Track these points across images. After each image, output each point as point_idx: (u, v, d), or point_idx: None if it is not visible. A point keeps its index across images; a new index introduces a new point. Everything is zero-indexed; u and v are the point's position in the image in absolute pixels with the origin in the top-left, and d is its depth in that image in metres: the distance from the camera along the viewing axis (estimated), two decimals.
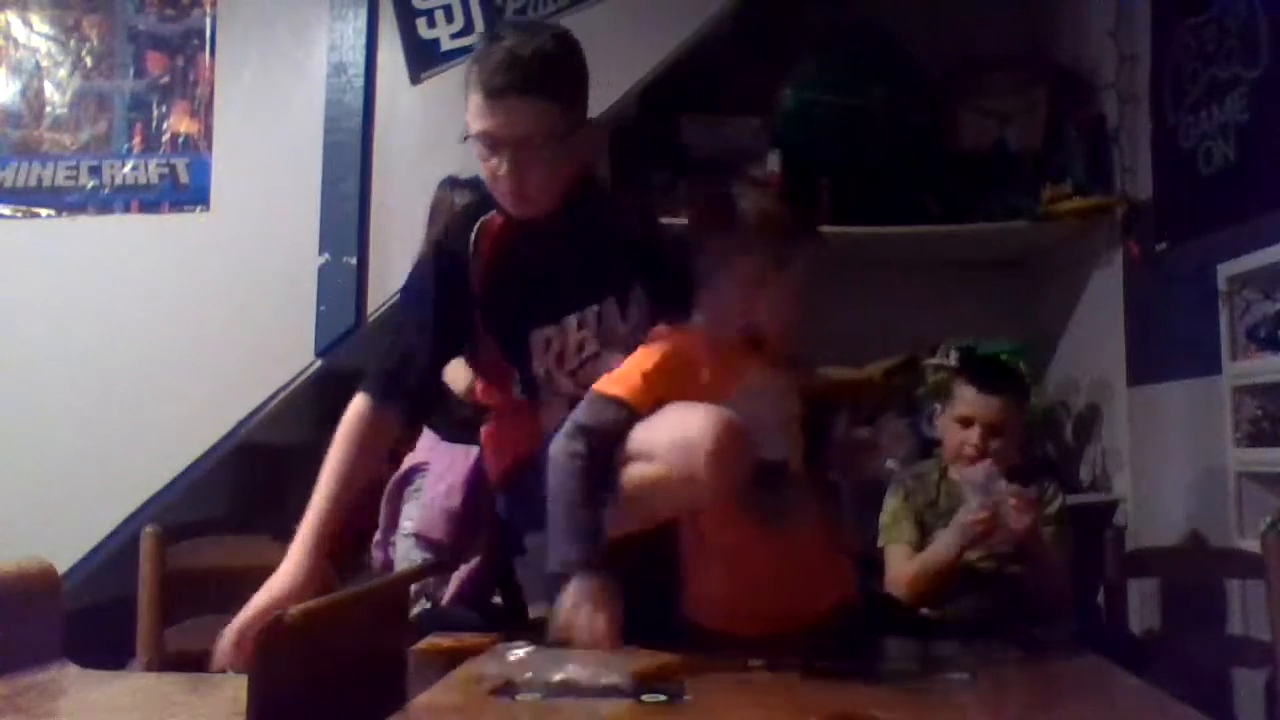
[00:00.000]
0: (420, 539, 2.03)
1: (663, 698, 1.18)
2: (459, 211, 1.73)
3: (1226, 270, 2.15)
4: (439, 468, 2.07)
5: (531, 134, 1.50)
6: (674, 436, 1.36)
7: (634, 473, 1.40)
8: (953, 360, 2.86)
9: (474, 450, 2.05)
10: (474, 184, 2.23)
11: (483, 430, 1.82)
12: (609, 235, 1.68)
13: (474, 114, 1.51)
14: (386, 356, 1.67)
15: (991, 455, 2.07)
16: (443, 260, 1.63)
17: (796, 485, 1.49)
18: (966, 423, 2.11)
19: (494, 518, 1.99)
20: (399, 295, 1.75)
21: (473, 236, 1.61)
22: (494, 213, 1.63)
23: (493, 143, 1.51)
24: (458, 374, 2.03)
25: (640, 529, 1.44)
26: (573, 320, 1.62)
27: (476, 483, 2.03)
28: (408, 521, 2.09)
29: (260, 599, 1.49)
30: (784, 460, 1.48)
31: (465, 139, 1.54)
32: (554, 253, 1.62)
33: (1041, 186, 2.72)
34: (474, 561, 2.03)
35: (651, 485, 1.39)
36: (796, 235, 1.53)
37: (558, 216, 1.61)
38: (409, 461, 2.13)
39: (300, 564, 1.53)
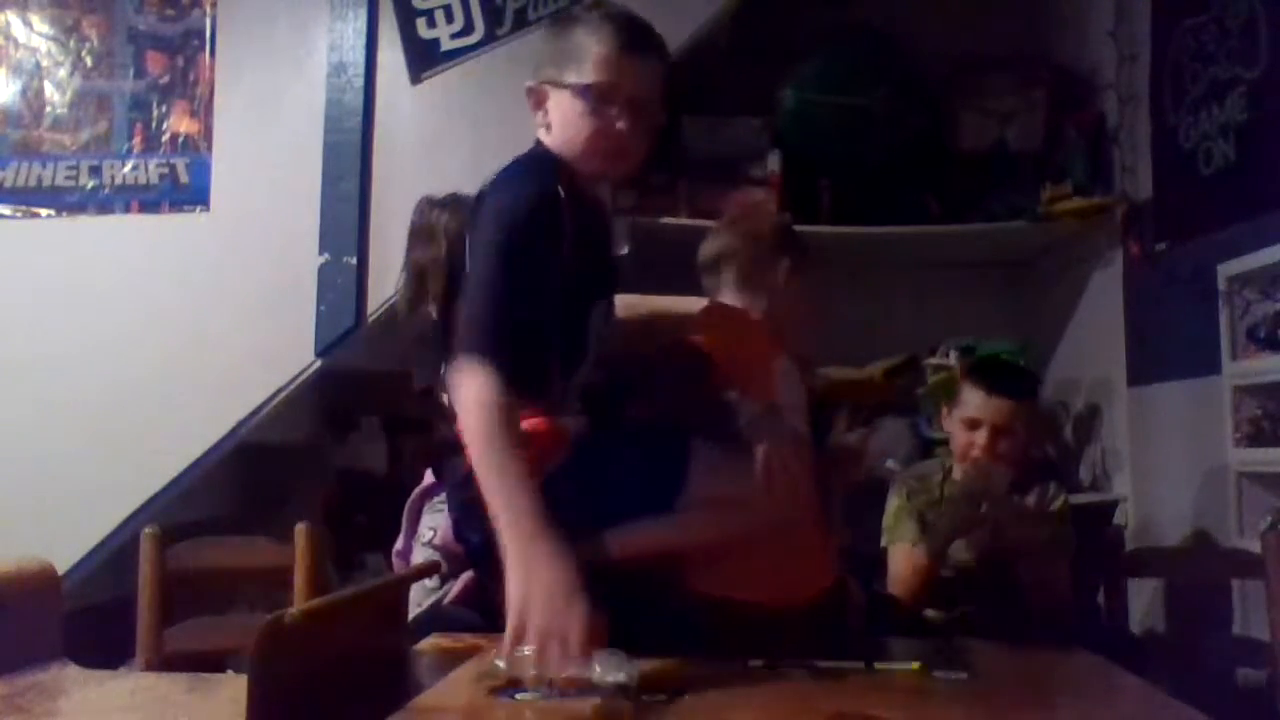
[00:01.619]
0: (444, 551, 2.03)
1: (663, 697, 1.18)
2: (532, 161, 1.52)
3: (1226, 270, 2.15)
4: None
5: (651, 94, 1.54)
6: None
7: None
8: (952, 360, 2.86)
9: None
10: (451, 203, 2.24)
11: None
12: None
13: (596, 65, 1.48)
14: (498, 331, 1.37)
15: (1000, 456, 2.07)
16: (542, 214, 1.43)
17: None
18: (974, 425, 2.11)
19: None
20: (482, 258, 1.42)
21: (560, 188, 1.46)
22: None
23: (613, 96, 1.49)
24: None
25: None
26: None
27: None
28: (429, 531, 2.08)
29: (540, 603, 1.20)
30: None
31: (578, 88, 1.47)
32: (605, 224, 1.62)
33: (1041, 186, 2.72)
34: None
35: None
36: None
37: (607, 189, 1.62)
38: (433, 475, 2.12)
39: (555, 552, 1.24)
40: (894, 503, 2.19)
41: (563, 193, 1.44)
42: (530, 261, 1.39)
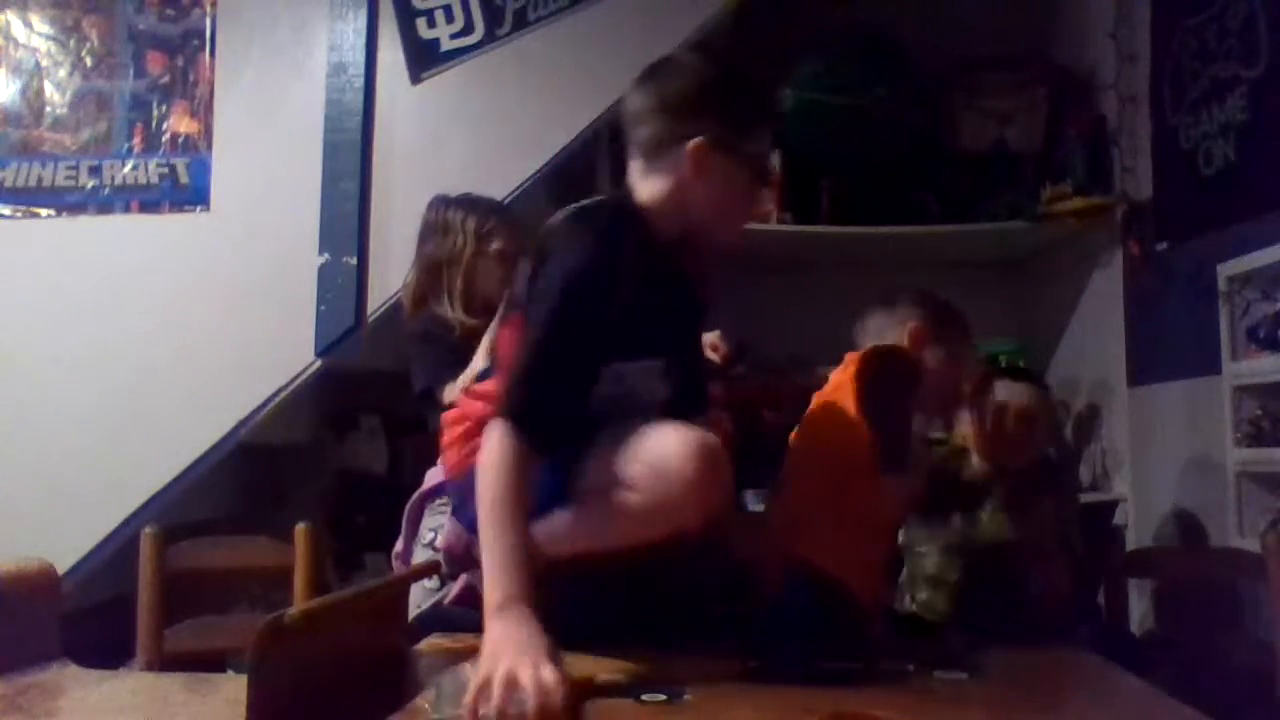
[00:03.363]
0: (445, 554, 2.03)
1: (662, 697, 1.18)
2: (612, 218, 1.44)
3: (1226, 270, 2.15)
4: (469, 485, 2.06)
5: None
6: (654, 465, 1.31)
7: (614, 500, 1.34)
8: None
9: None
10: (465, 202, 2.24)
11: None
12: None
13: (763, 143, 1.51)
14: (544, 396, 1.34)
15: (1026, 443, 2.08)
16: (608, 278, 1.36)
17: None
18: (1001, 409, 2.12)
19: None
20: (540, 323, 1.36)
21: (636, 247, 1.40)
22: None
23: (765, 174, 1.54)
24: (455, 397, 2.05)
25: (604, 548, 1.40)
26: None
27: None
28: (429, 533, 2.08)
29: (527, 676, 1.14)
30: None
31: (756, 160, 1.48)
32: (684, 282, 1.56)
33: (1041, 186, 2.72)
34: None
35: (631, 514, 1.34)
36: None
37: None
38: (436, 478, 2.12)
39: (531, 618, 1.23)
40: None
41: (637, 251, 1.38)
42: (587, 333, 1.35)
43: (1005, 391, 2.14)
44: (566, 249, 1.38)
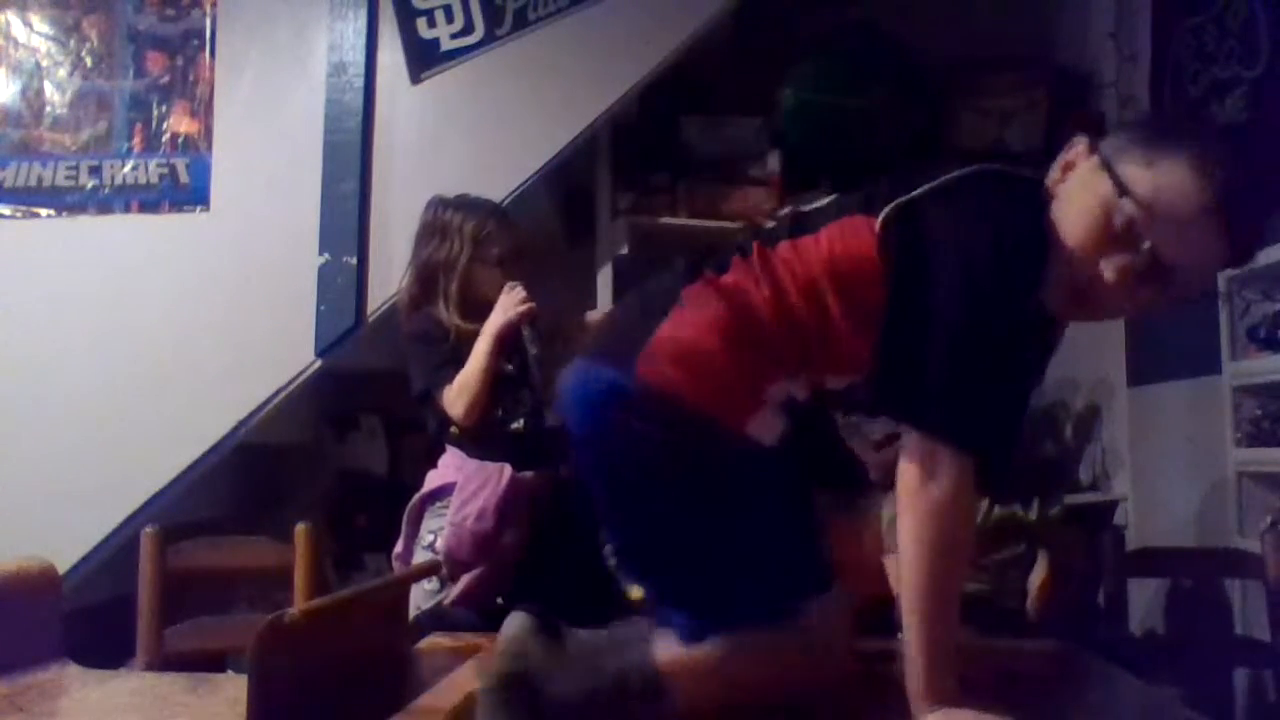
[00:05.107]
0: (448, 558, 2.03)
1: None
2: (1019, 189, 1.19)
3: (1226, 270, 2.15)
4: (470, 488, 2.06)
5: (1188, 277, 1.15)
6: None
7: None
8: None
9: (506, 470, 2.06)
10: (462, 205, 2.24)
11: None
12: None
13: (1172, 199, 1.08)
14: (998, 417, 1.09)
15: None
16: (1037, 256, 1.11)
17: None
18: None
19: (524, 532, 2.06)
20: (963, 309, 1.07)
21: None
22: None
23: (1140, 241, 1.10)
24: (453, 399, 2.05)
25: None
26: None
27: (508, 505, 2.04)
28: (429, 535, 2.08)
29: None
30: None
31: (1130, 203, 1.09)
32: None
33: None
34: (482, 569, 2.04)
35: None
36: None
37: None
38: (436, 480, 2.12)
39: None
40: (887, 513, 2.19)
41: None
42: (1022, 319, 1.08)
43: None
44: (975, 218, 1.12)
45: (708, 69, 2.87)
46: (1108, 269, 1.11)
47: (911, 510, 1.06)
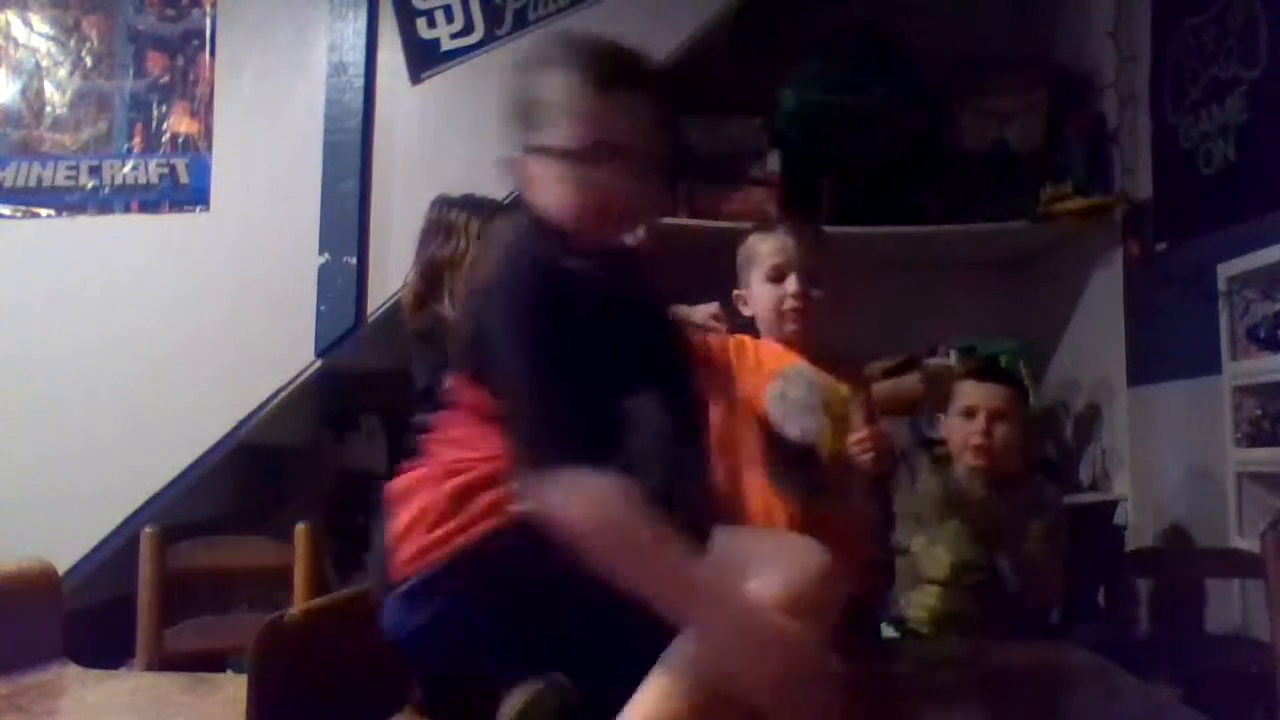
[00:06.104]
0: None
1: None
2: (521, 236, 1.30)
3: (1226, 270, 2.15)
4: None
5: (648, 135, 1.34)
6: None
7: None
8: (953, 360, 2.86)
9: None
10: (468, 204, 2.24)
11: None
12: None
13: (573, 120, 1.25)
14: (562, 430, 1.14)
15: (998, 446, 2.08)
16: (553, 286, 1.19)
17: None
18: (971, 413, 2.13)
19: None
20: (507, 356, 1.16)
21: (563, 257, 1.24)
22: None
23: (599, 154, 1.25)
24: None
25: None
26: None
27: None
28: None
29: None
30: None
31: (555, 151, 1.24)
32: (635, 290, 1.37)
33: (1041, 186, 2.72)
34: None
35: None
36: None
37: None
38: None
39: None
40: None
41: (567, 263, 1.20)
42: (560, 338, 1.14)
43: (973, 393, 2.14)
44: (499, 284, 1.22)
45: (708, 69, 2.87)
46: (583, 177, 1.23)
47: (569, 538, 1.04)
